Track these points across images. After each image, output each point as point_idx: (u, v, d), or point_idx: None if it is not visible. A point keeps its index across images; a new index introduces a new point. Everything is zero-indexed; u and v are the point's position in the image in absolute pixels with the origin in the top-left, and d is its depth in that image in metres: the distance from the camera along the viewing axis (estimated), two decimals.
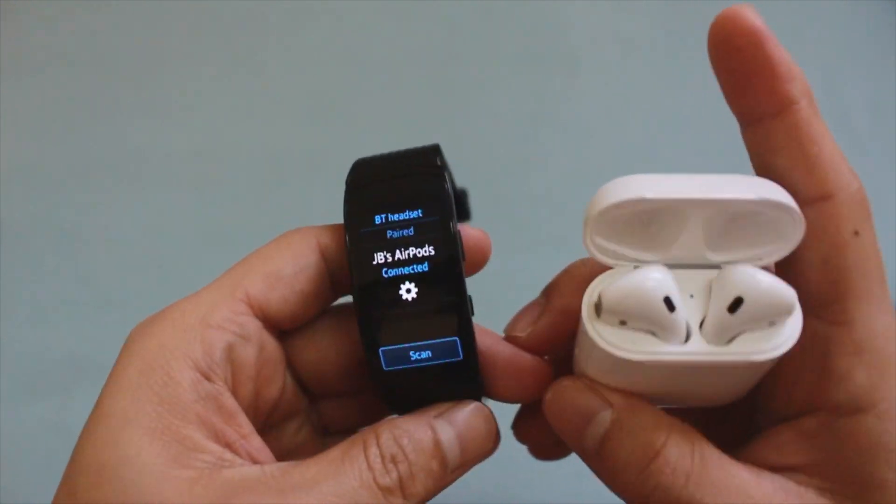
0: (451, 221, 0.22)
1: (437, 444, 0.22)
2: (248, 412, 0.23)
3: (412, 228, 0.22)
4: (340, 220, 0.24)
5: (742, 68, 0.21)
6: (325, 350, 0.25)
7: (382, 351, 0.22)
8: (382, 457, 0.21)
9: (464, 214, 0.37)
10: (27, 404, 0.41)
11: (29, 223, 0.48)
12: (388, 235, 0.22)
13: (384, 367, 0.22)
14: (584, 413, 0.22)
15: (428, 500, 0.22)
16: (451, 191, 0.23)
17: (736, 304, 0.19)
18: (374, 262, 0.22)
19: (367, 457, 0.21)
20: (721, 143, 0.51)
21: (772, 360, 0.20)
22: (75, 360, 0.43)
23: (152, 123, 0.51)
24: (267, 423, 0.25)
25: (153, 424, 0.20)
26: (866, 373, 0.20)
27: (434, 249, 0.22)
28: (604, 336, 0.20)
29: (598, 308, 0.20)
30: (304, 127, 0.51)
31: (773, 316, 0.19)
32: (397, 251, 0.22)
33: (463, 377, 0.23)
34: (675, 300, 0.19)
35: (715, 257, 0.21)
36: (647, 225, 0.21)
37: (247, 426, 0.22)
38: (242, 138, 0.51)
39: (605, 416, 0.22)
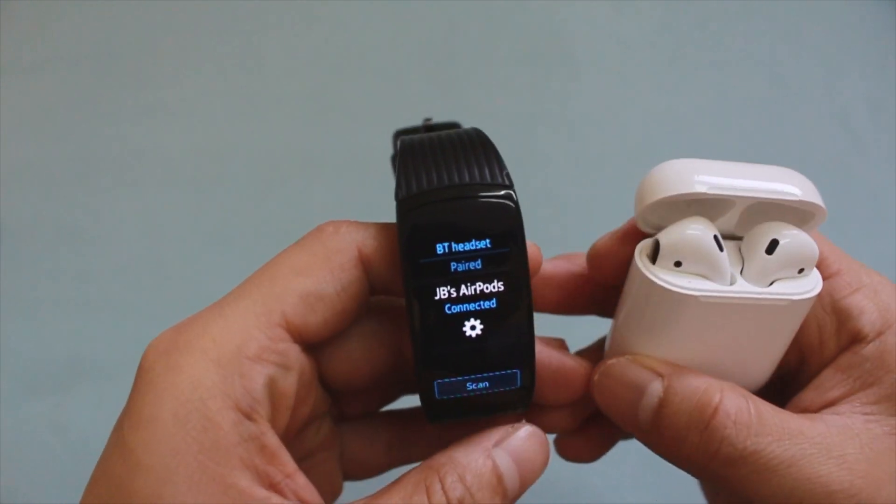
0: (524, 256, 0.20)
1: (499, 479, 0.21)
2: (284, 438, 0.21)
3: (479, 261, 0.20)
4: (339, 216, 0.23)
5: None
6: (357, 361, 0.24)
7: (437, 383, 0.21)
8: (449, 501, 0.20)
9: None
10: (27, 404, 0.41)
11: (29, 223, 0.48)
12: (452, 268, 0.20)
13: (436, 396, 0.21)
14: (636, 387, 0.23)
15: None
16: (520, 216, 0.21)
17: (772, 246, 0.22)
18: (436, 298, 0.20)
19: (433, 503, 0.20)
20: (721, 142, 0.51)
21: (808, 302, 0.22)
22: (75, 360, 0.43)
23: (152, 123, 0.51)
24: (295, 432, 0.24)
25: (196, 476, 0.19)
26: (872, 302, 0.23)
27: (504, 285, 0.20)
28: (662, 277, 0.22)
29: (652, 258, 0.22)
30: (304, 127, 0.51)
31: (802, 261, 0.22)
32: (462, 286, 0.20)
33: (518, 402, 0.22)
34: (721, 242, 0.22)
35: (741, 231, 0.23)
36: (691, 205, 0.23)
37: (290, 464, 0.20)
38: (242, 138, 0.51)
39: (657, 386, 0.22)
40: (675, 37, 0.55)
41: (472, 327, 0.20)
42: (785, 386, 0.24)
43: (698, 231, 0.21)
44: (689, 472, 0.23)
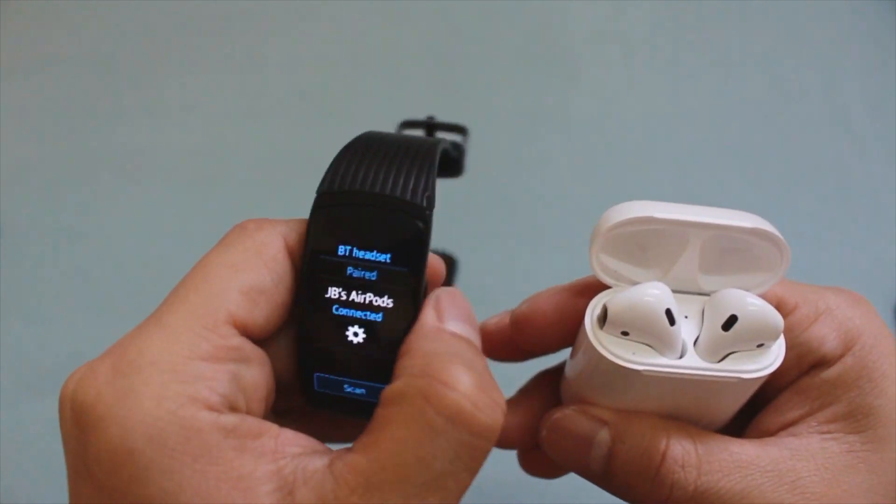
0: (420, 280, 0.20)
1: (467, 342, 0.21)
2: None
3: (375, 273, 0.20)
4: None
5: None
6: (285, 361, 0.23)
7: (317, 376, 0.21)
8: (451, 405, 0.18)
9: (456, 170, 0.33)
10: (27, 404, 0.41)
11: (29, 223, 0.48)
12: (348, 272, 0.20)
13: (315, 388, 0.22)
14: (583, 438, 0.23)
15: None
16: (428, 240, 0.21)
17: (730, 322, 0.21)
18: (327, 296, 0.20)
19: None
20: (720, 142, 0.51)
21: (759, 380, 0.21)
22: (75, 360, 0.42)
23: (152, 123, 0.51)
24: None
25: (204, 486, 0.17)
26: (830, 328, 0.23)
27: (393, 302, 0.20)
28: (606, 346, 0.21)
29: (601, 321, 0.21)
30: (303, 127, 0.51)
31: (762, 337, 0.21)
32: (353, 293, 0.20)
33: None
34: (675, 314, 0.21)
35: (706, 285, 0.22)
36: (646, 249, 0.22)
37: (275, 427, 0.19)
38: (242, 138, 0.51)
39: (604, 435, 0.22)
40: (675, 37, 0.55)
41: (356, 334, 0.21)
42: (745, 407, 0.24)
43: (649, 303, 0.21)
44: None
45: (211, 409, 0.18)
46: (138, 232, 0.47)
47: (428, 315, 0.21)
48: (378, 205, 0.21)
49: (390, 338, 0.21)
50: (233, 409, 0.19)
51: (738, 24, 0.55)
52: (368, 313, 0.21)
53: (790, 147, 0.50)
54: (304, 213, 0.22)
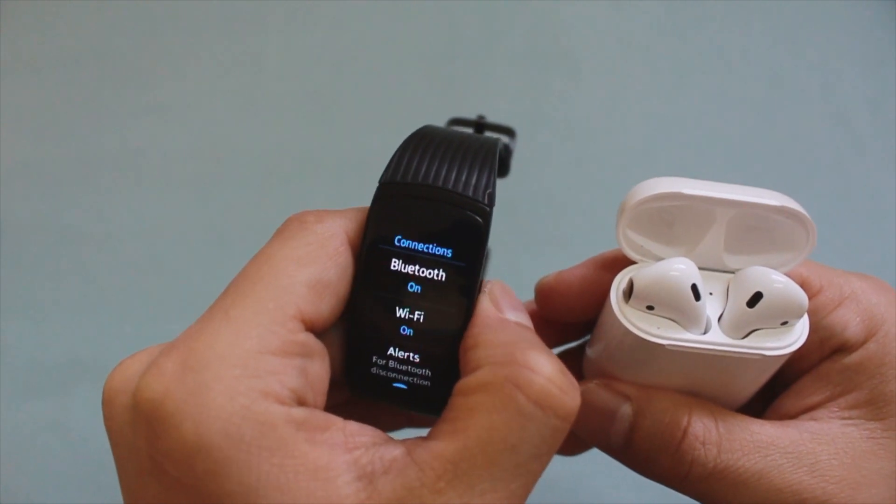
0: (477, 275, 0.21)
1: (528, 331, 0.22)
2: None
3: (434, 266, 0.21)
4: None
5: None
6: (337, 354, 0.23)
7: (368, 368, 0.22)
8: (535, 391, 0.19)
9: (504, 171, 0.33)
10: (27, 404, 0.41)
11: (29, 223, 0.48)
12: (406, 266, 0.21)
13: (365, 377, 0.22)
14: (606, 412, 0.23)
15: None
16: (487, 237, 0.21)
17: (755, 299, 0.21)
18: (383, 286, 0.21)
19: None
20: (720, 142, 0.51)
21: (782, 357, 0.21)
22: (75, 360, 0.43)
23: (152, 123, 0.51)
24: None
25: (282, 481, 0.18)
26: (854, 313, 0.23)
27: (449, 296, 0.21)
28: (631, 319, 0.21)
29: (626, 294, 0.21)
30: (303, 126, 0.51)
31: (787, 315, 0.21)
32: (410, 284, 0.21)
33: (428, 406, 0.22)
34: (700, 290, 0.21)
35: (731, 262, 0.22)
36: (672, 225, 0.22)
37: (340, 420, 0.20)
38: (242, 138, 0.51)
39: (627, 410, 0.23)
40: (675, 37, 0.55)
41: (411, 323, 0.21)
42: (766, 389, 0.24)
43: (675, 277, 0.20)
44: (666, 486, 0.23)
45: (282, 403, 0.18)
46: (138, 231, 0.47)
47: (488, 307, 0.21)
48: (440, 199, 0.21)
49: (445, 330, 0.21)
50: (301, 403, 0.19)
51: (738, 24, 0.55)
52: (424, 305, 0.21)
53: (790, 147, 0.50)
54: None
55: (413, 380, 0.22)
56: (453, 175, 0.21)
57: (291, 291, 0.20)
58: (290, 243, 0.21)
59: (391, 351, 0.21)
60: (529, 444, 0.18)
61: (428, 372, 0.21)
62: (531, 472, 0.19)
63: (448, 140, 0.22)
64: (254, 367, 0.18)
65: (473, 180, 0.21)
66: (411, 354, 0.21)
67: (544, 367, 0.19)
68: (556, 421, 0.18)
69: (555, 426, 0.18)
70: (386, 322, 0.21)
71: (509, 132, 0.35)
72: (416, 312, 0.21)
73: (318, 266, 0.20)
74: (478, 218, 0.21)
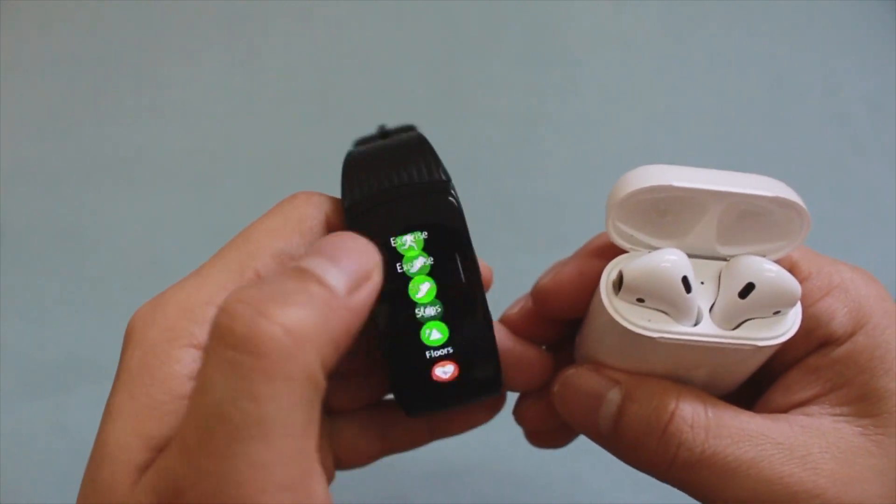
0: (463, 243, 0.22)
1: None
2: None
3: (421, 247, 0.22)
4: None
5: None
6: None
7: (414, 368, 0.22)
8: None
9: None
10: (27, 404, 0.41)
11: (29, 223, 0.48)
12: (396, 263, 0.22)
13: (430, 379, 0.22)
14: (594, 395, 0.23)
15: None
16: (460, 207, 0.22)
17: (747, 290, 0.20)
18: (398, 272, 0.22)
19: None
20: (720, 142, 0.51)
21: (774, 347, 0.21)
22: (75, 360, 0.43)
23: (152, 123, 0.51)
24: None
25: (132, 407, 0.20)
26: (842, 304, 0.22)
27: (439, 261, 0.22)
28: (621, 312, 0.21)
29: (616, 286, 0.21)
30: (303, 127, 0.51)
31: (779, 304, 0.21)
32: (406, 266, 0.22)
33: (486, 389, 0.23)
34: (692, 281, 0.20)
35: (724, 251, 0.22)
36: (664, 214, 0.22)
37: None
38: (242, 138, 0.51)
39: (615, 394, 0.22)
40: (675, 37, 0.55)
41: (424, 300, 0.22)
42: (751, 383, 0.24)
43: (666, 269, 0.20)
44: (653, 476, 0.23)
45: (196, 348, 0.20)
46: (138, 231, 0.47)
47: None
48: (406, 194, 0.22)
49: (464, 302, 0.22)
50: None
51: (738, 23, 0.55)
52: (437, 290, 0.22)
53: (790, 146, 0.50)
54: None
55: (459, 370, 0.22)
56: (405, 172, 0.23)
57: (255, 257, 0.21)
58: (271, 216, 0.23)
59: (429, 354, 0.22)
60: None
61: (465, 353, 0.22)
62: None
63: (380, 151, 0.24)
64: (193, 311, 0.20)
65: (423, 167, 0.23)
66: (447, 349, 0.22)
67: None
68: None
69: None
70: (410, 328, 0.22)
71: (411, 130, 0.36)
72: (433, 308, 0.22)
73: (286, 239, 0.22)
74: (445, 195, 0.22)
